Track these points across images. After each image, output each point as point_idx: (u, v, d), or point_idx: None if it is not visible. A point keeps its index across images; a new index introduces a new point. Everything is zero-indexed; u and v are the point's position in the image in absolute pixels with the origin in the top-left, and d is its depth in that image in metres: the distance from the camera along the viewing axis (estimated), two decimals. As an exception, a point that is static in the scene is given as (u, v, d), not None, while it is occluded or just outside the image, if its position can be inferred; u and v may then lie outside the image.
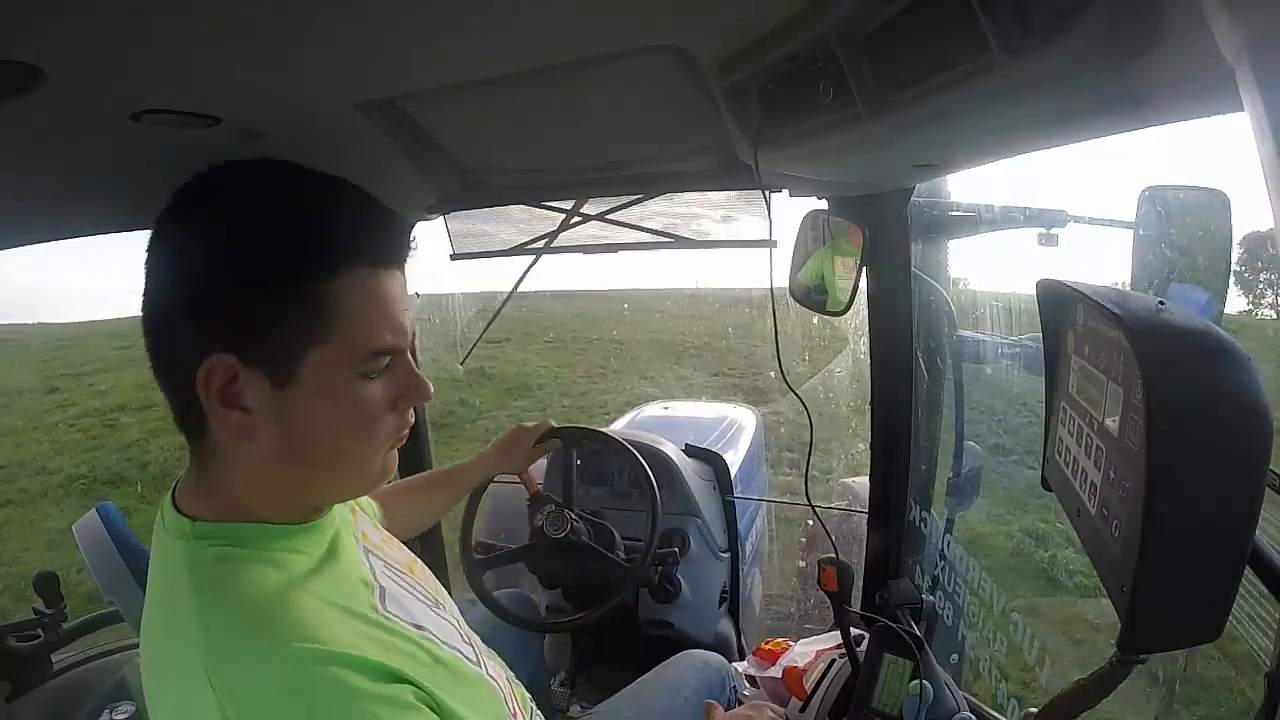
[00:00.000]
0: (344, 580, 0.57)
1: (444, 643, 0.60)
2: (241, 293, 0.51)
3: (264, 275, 0.51)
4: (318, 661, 0.47)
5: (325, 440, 0.54)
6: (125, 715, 1.28)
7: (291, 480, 0.56)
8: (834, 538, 1.23)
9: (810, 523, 2.78)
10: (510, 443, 1.27)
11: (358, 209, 0.55)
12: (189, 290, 0.52)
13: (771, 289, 1.00)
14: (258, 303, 0.50)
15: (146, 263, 0.54)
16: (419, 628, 0.58)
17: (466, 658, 0.63)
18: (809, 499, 1.10)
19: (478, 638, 0.74)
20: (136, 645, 1.40)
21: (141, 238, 0.56)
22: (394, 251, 0.56)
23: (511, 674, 0.82)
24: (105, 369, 8.80)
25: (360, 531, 0.68)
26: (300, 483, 0.56)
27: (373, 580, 0.60)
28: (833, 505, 2.46)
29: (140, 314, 0.53)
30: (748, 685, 1.29)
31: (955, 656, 1.28)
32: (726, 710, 1.21)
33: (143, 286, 0.53)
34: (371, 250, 0.54)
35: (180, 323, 0.52)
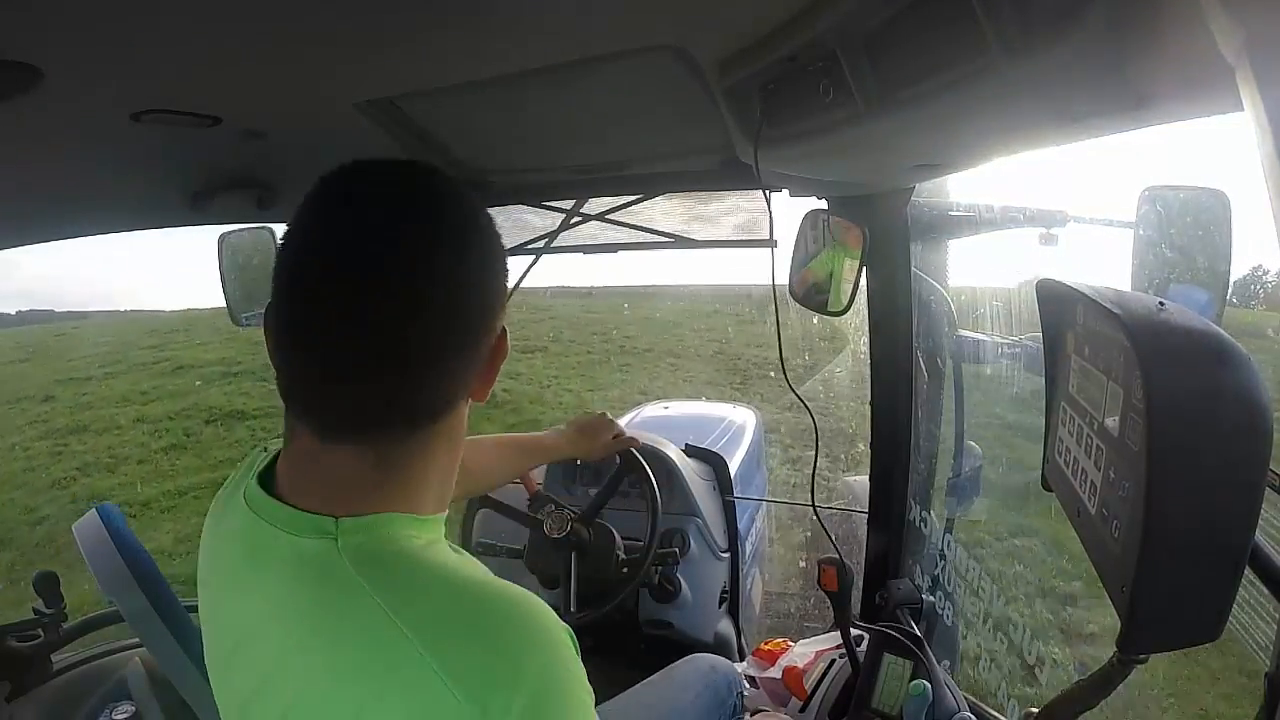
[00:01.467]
0: None
1: None
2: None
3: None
4: (551, 626, 0.46)
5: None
6: (125, 715, 1.28)
7: (457, 466, 0.56)
8: (834, 537, 1.23)
9: (813, 519, 2.79)
10: (592, 428, 1.29)
11: None
12: (486, 268, 0.52)
13: (774, 288, 1.00)
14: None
15: (427, 250, 0.48)
16: None
17: None
18: (813, 500, 1.10)
19: None
20: (137, 645, 1.40)
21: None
22: None
23: None
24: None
25: None
26: (456, 468, 0.56)
27: None
28: (833, 505, 2.46)
29: (403, 298, 0.47)
30: (748, 685, 1.30)
31: (948, 663, 1.28)
32: (731, 715, 1.21)
33: (425, 269, 0.48)
34: None
35: (480, 297, 0.51)
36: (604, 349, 9.95)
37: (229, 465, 5.78)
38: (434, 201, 0.50)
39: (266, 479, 0.53)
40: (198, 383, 8.23)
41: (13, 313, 13.09)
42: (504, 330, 0.54)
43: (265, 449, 0.59)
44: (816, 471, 1.12)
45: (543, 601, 0.47)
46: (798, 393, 1.08)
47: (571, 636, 0.47)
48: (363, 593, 0.44)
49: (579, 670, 0.46)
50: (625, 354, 9.78)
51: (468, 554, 0.51)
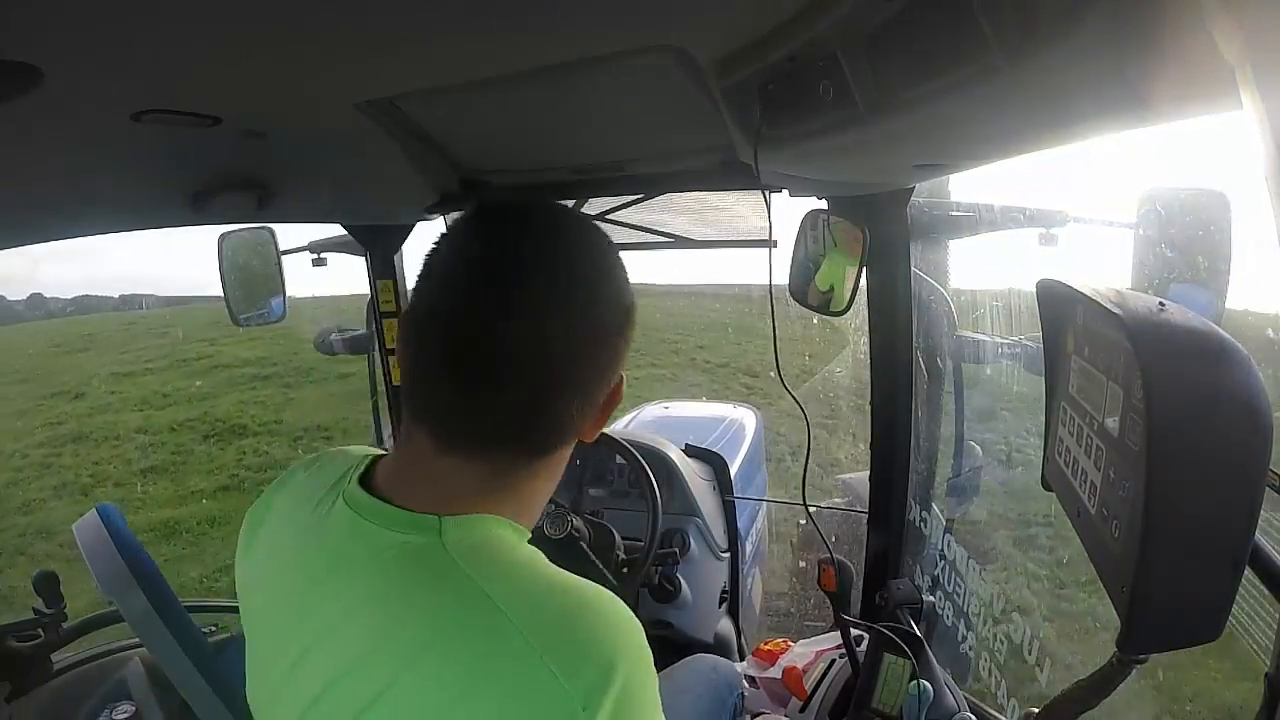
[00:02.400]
0: None
1: None
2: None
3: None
4: (637, 625, 0.49)
5: None
6: (125, 715, 1.28)
7: (551, 492, 0.59)
8: (833, 536, 1.23)
9: (802, 522, 2.79)
10: None
11: None
12: (620, 315, 0.54)
13: (770, 289, 1.00)
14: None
15: (557, 285, 0.51)
16: None
17: None
18: (804, 499, 1.10)
19: None
20: (137, 645, 1.40)
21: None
22: None
23: None
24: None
25: None
26: (550, 494, 0.59)
27: None
28: (834, 505, 2.46)
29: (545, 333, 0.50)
30: (748, 686, 1.30)
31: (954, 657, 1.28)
32: (733, 714, 1.21)
33: (558, 308, 0.50)
34: None
35: (612, 339, 0.53)
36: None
37: (196, 499, 5.62)
38: (597, 246, 0.54)
39: (366, 481, 0.55)
40: (222, 386, 8.13)
41: (115, 296, 13.12)
42: (622, 378, 0.56)
43: (341, 451, 0.60)
44: (807, 472, 1.12)
45: (624, 604, 0.50)
46: (794, 395, 1.08)
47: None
48: (468, 581, 0.46)
49: (652, 662, 0.48)
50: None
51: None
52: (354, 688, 0.47)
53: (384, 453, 0.59)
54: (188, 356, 9.04)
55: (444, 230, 0.55)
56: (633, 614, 0.49)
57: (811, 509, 1.14)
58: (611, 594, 0.49)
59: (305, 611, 0.52)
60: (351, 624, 0.49)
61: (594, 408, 0.54)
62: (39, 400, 8.16)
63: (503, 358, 0.49)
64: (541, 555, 0.52)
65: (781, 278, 1.23)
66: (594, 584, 0.49)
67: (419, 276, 0.54)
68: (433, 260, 0.53)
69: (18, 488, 6.18)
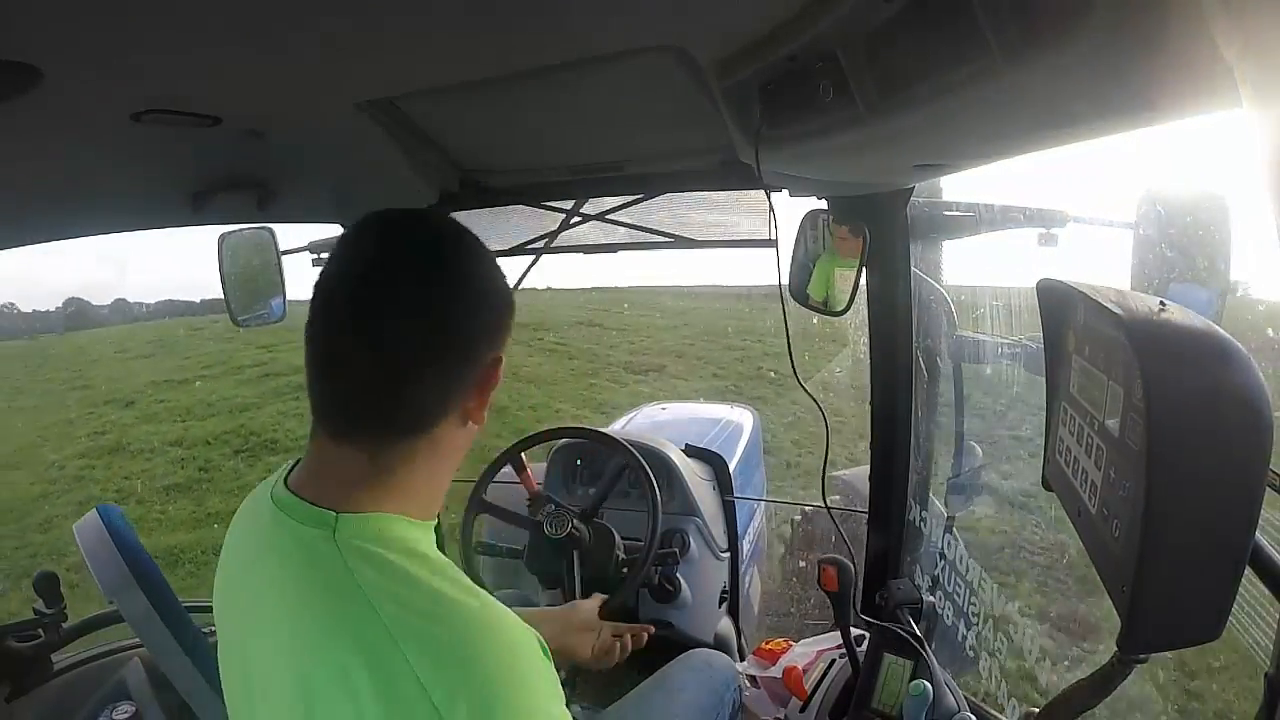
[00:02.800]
0: None
1: None
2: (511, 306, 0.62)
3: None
4: (512, 636, 0.51)
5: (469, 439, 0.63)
6: (125, 715, 1.28)
7: (447, 480, 0.63)
8: (832, 536, 1.23)
9: (796, 518, 2.79)
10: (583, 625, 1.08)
11: None
12: (475, 298, 0.59)
13: (781, 288, 1.00)
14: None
15: (427, 270, 0.57)
16: None
17: None
18: (824, 500, 1.10)
19: None
20: (137, 645, 1.40)
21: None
22: None
23: None
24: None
25: None
26: (446, 482, 0.63)
27: None
28: (834, 505, 2.45)
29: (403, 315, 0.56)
30: (748, 683, 1.30)
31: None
32: (731, 711, 1.21)
33: (424, 296, 0.56)
34: None
35: (467, 323, 0.58)
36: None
37: (209, 524, 5.50)
38: (436, 244, 0.59)
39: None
40: (268, 396, 8.12)
41: (197, 301, 13.47)
42: (497, 359, 0.60)
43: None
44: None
45: (508, 611, 0.53)
46: (807, 389, 1.08)
47: (542, 645, 0.53)
48: (350, 580, 0.51)
49: (537, 680, 0.51)
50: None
51: (448, 560, 0.57)
52: (276, 673, 0.53)
53: None
54: (243, 364, 9.10)
55: (331, 252, 0.61)
56: (517, 628, 0.52)
57: (814, 508, 1.14)
58: (494, 606, 0.52)
59: (235, 597, 0.61)
60: (267, 619, 0.55)
61: (456, 394, 0.58)
62: (91, 408, 8.22)
63: (355, 357, 0.56)
64: (434, 557, 0.55)
65: (783, 278, 1.23)
66: (480, 594, 0.52)
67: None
68: (318, 278, 0.59)
69: (45, 502, 6.19)
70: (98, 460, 7.00)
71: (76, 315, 13.10)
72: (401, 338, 0.56)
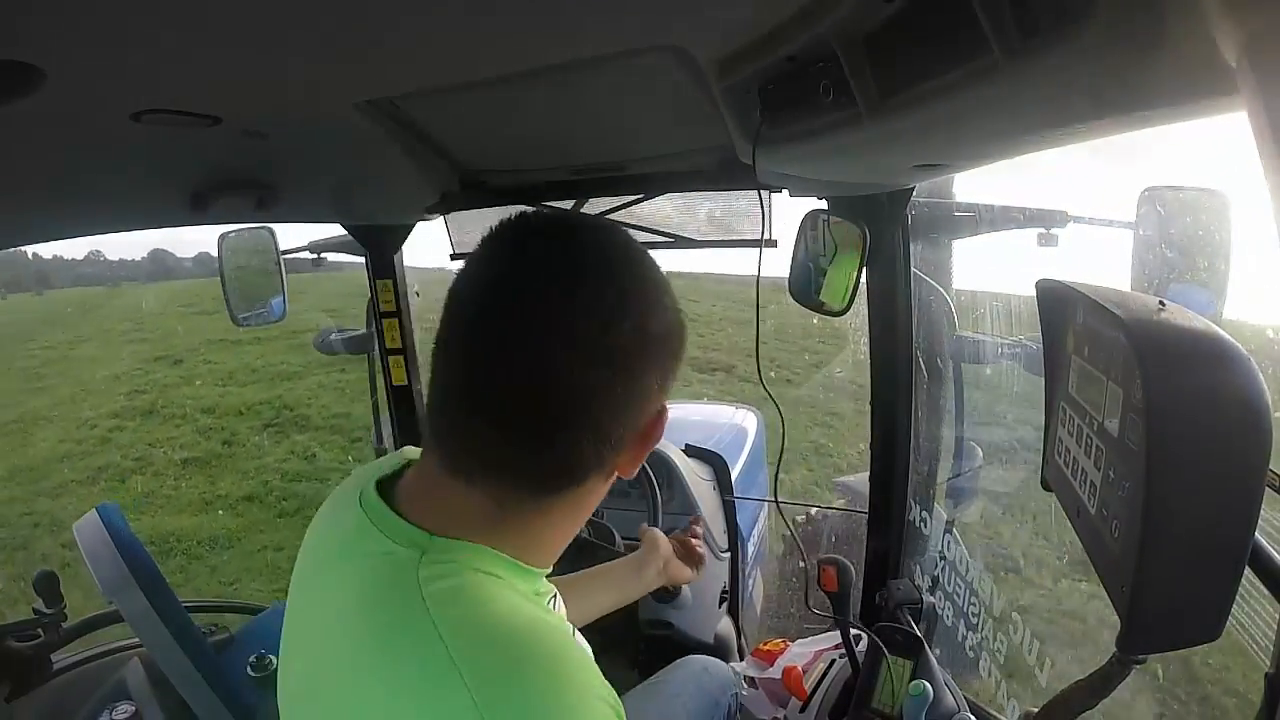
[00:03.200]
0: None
1: None
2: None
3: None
4: (587, 693, 0.45)
5: None
6: (125, 715, 1.28)
7: (575, 531, 0.57)
8: (833, 537, 1.23)
9: (799, 519, 2.79)
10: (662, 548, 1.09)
11: None
12: (648, 343, 0.50)
13: (758, 288, 1.01)
14: None
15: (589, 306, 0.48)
16: None
17: None
18: (774, 494, 1.11)
19: None
20: (137, 645, 1.40)
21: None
22: None
23: None
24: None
25: None
26: (574, 533, 0.57)
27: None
28: (833, 505, 2.46)
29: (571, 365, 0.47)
30: (745, 686, 1.29)
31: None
32: (727, 715, 1.21)
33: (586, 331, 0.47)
34: None
35: (637, 371, 0.50)
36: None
37: (215, 508, 5.32)
38: (620, 264, 0.50)
39: (389, 486, 0.55)
40: (314, 366, 7.64)
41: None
42: (662, 410, 0.53)
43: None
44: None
45: (589, 665, 0.47)
46: (771, 394, 1.09)
47: (614, 699, 0.47)
48: (424, 612, 0.45)
49: (607, 713, 0.45)
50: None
51: (554, 614, 0.52)
52: (327, 688, 0.49)
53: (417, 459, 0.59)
54: (301, 328, 8.81)
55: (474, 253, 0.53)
56: (594, 684, 0.46)
57: (815, 510, 1.14)
58: (575, 660, 0.46)
59: (308, 594, 0.55)
60: (332, 617, 0.50)
61: (617, 445, 0.50)
62: (140, 364, 7.98)
63: (498, 393, 0.47)
64: (524, 604, 0.49)
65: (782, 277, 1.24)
66: (565, 648, 0.46)
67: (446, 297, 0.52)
68: (454, 285, 0.51)
69: (64, 464, 5.99)
70: (130, 422, 6.83)
71: (159, 266, 12.97)
72: (563, 380, 0.47)
